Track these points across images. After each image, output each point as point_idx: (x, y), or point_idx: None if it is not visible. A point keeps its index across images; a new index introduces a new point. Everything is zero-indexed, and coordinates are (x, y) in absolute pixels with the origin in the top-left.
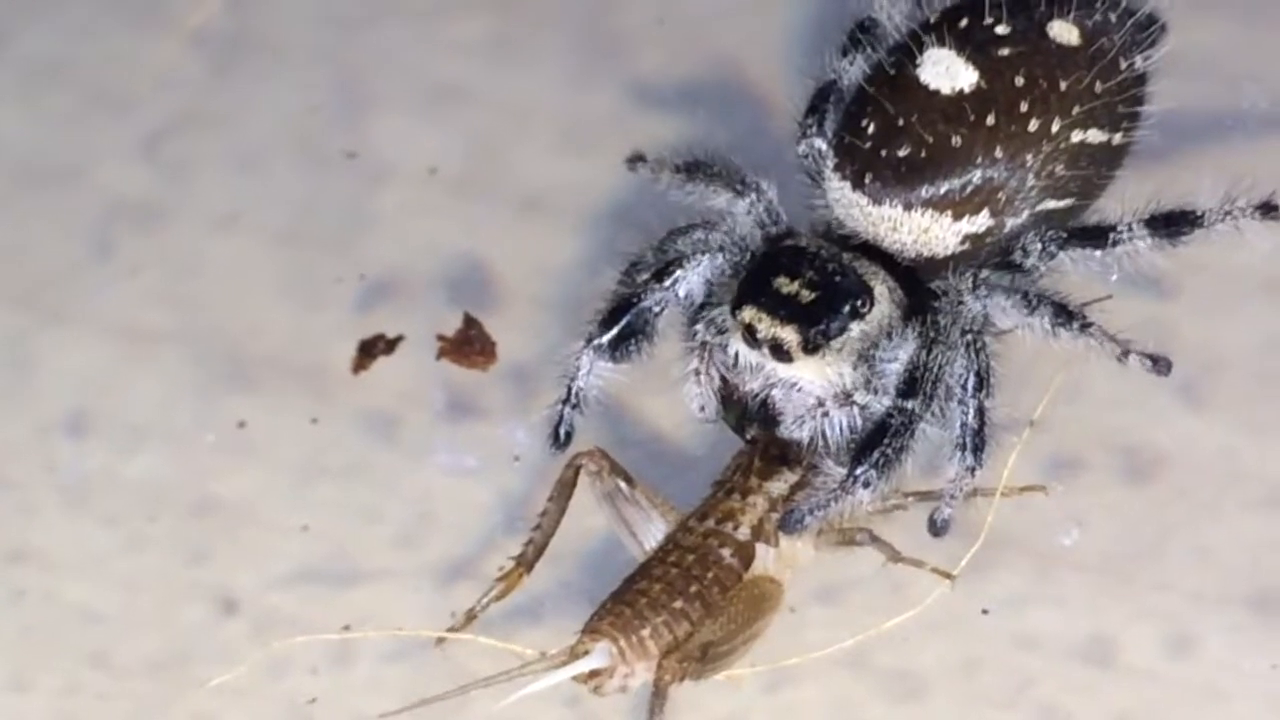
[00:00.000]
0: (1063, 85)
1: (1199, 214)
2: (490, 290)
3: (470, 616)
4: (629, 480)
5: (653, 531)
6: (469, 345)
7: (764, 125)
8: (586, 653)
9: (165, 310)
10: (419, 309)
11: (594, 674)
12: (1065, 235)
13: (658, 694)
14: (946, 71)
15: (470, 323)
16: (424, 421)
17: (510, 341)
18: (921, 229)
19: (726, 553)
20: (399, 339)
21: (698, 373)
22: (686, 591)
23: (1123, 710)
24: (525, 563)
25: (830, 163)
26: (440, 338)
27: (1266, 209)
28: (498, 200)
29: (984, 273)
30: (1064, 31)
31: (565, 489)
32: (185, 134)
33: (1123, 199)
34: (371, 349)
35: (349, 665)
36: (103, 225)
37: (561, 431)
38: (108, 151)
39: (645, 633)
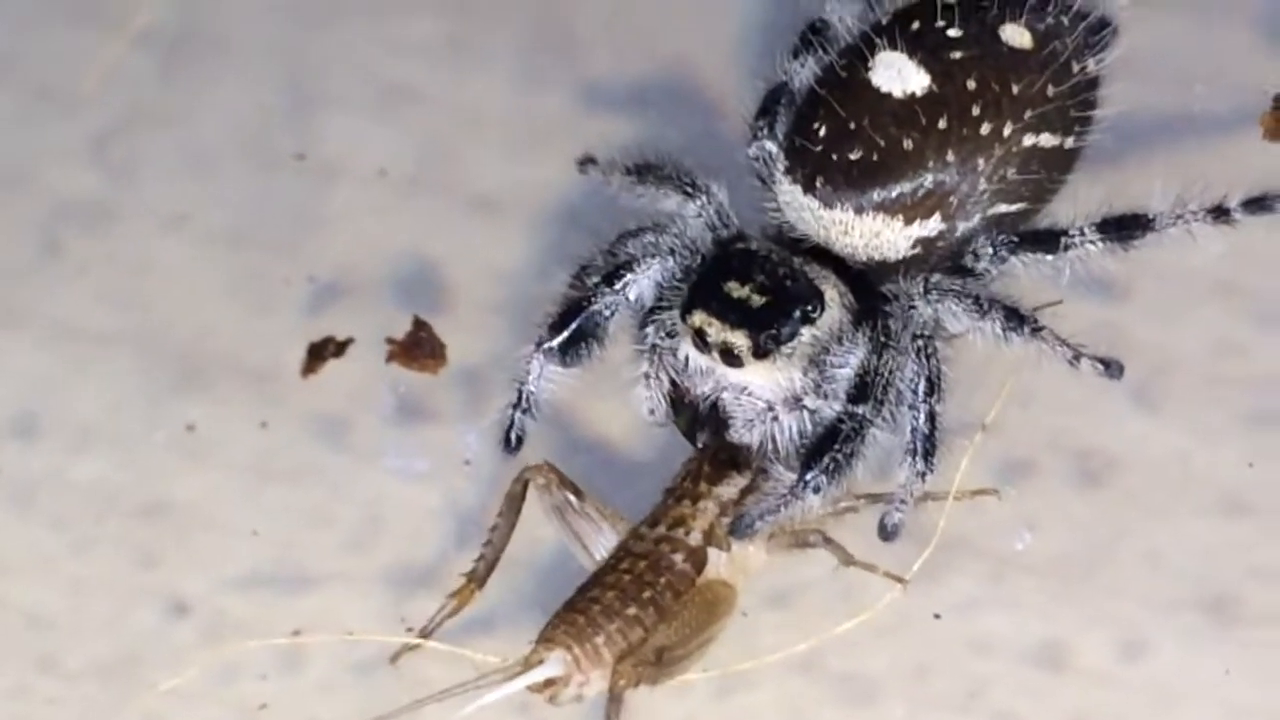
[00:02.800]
0: (1015, 89)
1: (1151, 218)
2: (440, 292)
3: (423, 635)
4: (577, 493)
5: (603, 542)
6: (419, 348)
7: (715, 127)
8: (541, 662)
9: (113, 312)
10: (369, 311)
11: (549, 683)
12: (1016, 239)
13: (613, 699)
14: (898, 74)
15: (420, 325)
16: (374, 425)
17: (460, 344)
18: (873, 233)
19: (679, 558)
20: (349, 342)
21: (648, 376)
22: (639, 598)
23: (1076, 715)
24: (477, 579)
25: (781, 166)
26: (390, 340)
27: (1218, 212)
28: (448, 202)
29: (935, 277)
30: (1016, 35)
31: (514, 503)
32: (132, 134)
33: (1075, 202)
34: (321, 352)
35: (300, 671)
36: (49, 226)
37: (513, 436)
38: (53, 152)
39: (599, 640)
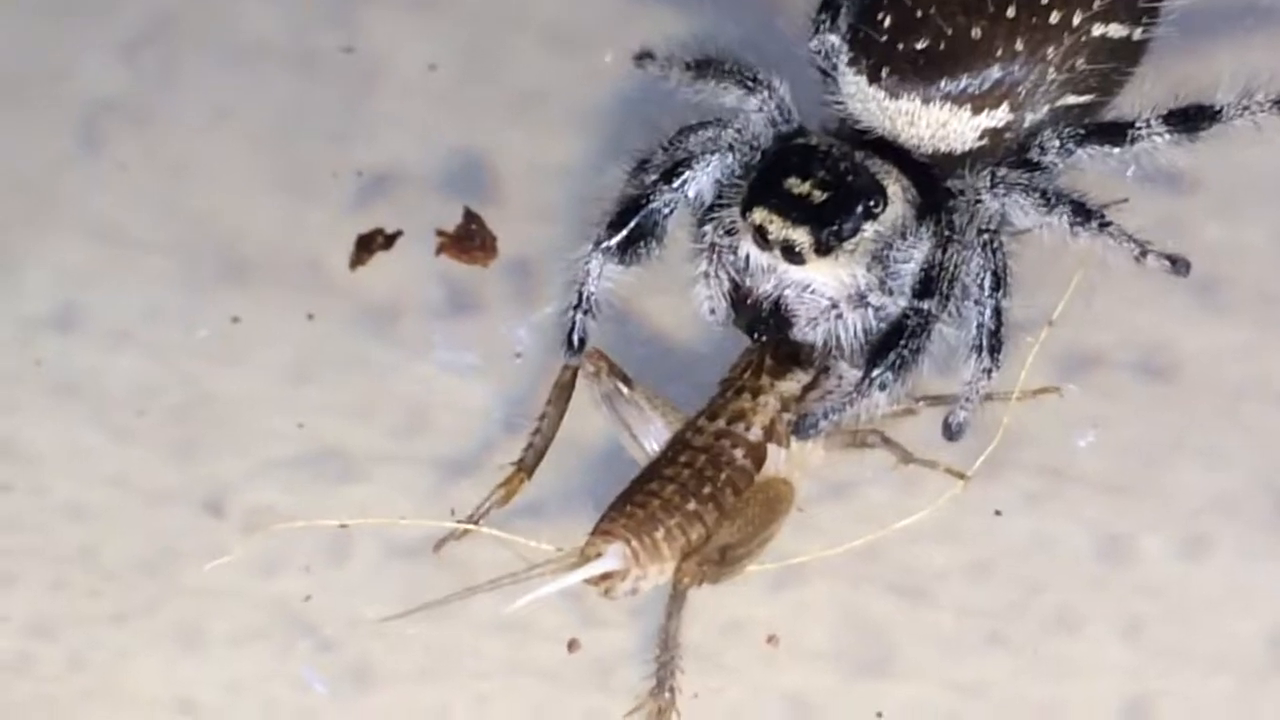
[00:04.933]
0: None
1: (1217, 108)
2: (491, 185)
3: (470, 521)
4: (627, 381)
5: (653, 433)
6: (469, 240)
7: (771, 20)
8: (599, 555)
9: (157, 206)
10: (418, 204)
11: (605, 577)
12: (1084, 132)
13: (676, 597)
14: None
15: (470, 217)
16: (423, 318)
17: (512, 237)
18: (940, 123)
19: (739, 453)
20: (398, 234)
21: (707, 275)
22: (699, 493)
23: (1137, 614)
24: (526, 468)
25: (845, 57)
26: (440, 233)
27: None
28: (499, 95)
29: (1001, 170)
30: None
31: (563, 391)
32: (177, 28)
33: (1141, 96)
34: (369, 244)
35: (344, 563)
36: (90, 122)
37: (575, 338)
38: (93, 47)
39: (659, 535)
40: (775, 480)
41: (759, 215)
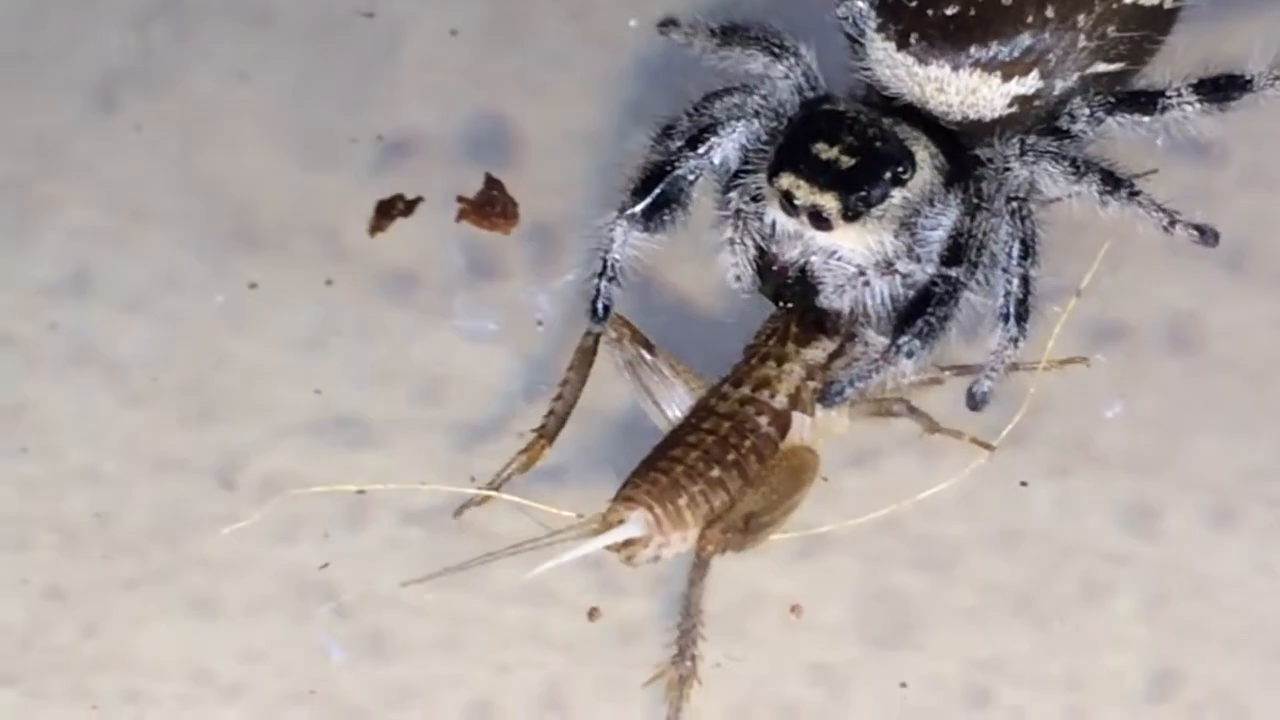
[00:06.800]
0: None
1: (1248, 78)
2: (513, 151)
3: (491, 488)
4: (650, 347)
5: (676, 399)
6: (490, 206)
7: None
8: (621, 521)
9: (174, 171)
10: (439, 170)
11: (627, 543)
12: (1114, 100)
13: (699, 565)
14: None
15: (492, 183)
16: (443, 284)
17: (533, 204)
18: (969, 90)
19: (763, 421)
20: (418, 200)
21: (733, 242)
22: (724, 460)
23: (1163, 584)
24: (547, 434)
25: (873, 23)
26: (460, 199)
27: None
28: (521, 61)
29: (1030, 138)
30: None
31: (585, 357)
32: None
33: (1172, 65)
34: (389, 210)
35: (362, 530)
36: (107, 86)
37: (599, 305)
38: (108, 20)
39: (682, 502)
40: (800, 448)
41: (786, 180)
